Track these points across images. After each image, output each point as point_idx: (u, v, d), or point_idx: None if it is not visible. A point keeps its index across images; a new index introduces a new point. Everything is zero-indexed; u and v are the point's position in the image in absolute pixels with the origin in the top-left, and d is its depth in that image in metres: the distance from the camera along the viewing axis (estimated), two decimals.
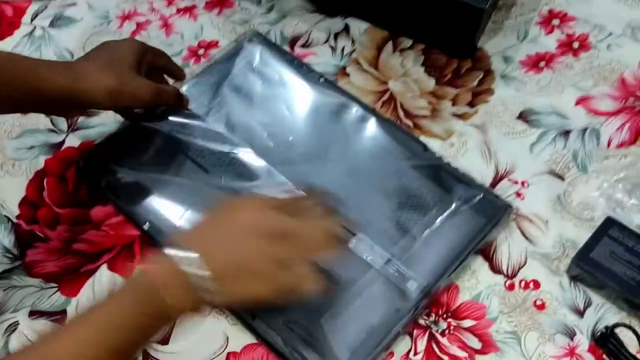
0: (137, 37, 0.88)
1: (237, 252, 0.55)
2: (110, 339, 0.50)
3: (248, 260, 0.55)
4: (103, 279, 0.69)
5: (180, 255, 0.53)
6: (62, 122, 0.80)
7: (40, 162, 0.77)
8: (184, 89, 0.79)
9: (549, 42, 0.84)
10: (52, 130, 0.80)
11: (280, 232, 0.57)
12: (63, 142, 0.79)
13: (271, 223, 0.57)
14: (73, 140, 0.79)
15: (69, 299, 0.68)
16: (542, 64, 0.83)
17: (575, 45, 0.84)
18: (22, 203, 0.74)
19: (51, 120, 0.80)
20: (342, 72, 0.84)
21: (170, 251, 0.54)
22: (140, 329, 0.52)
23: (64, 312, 0.67)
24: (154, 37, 0.88)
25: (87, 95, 0.64)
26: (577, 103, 0.79)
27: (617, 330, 0.63)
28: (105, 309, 0.52)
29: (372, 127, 0.76)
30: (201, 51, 0.86)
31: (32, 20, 0.90)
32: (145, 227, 0.70)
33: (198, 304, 0.54)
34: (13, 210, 0.74)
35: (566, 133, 0.77)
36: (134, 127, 0.76)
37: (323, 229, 0.59)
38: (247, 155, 0.74)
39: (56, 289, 0.69)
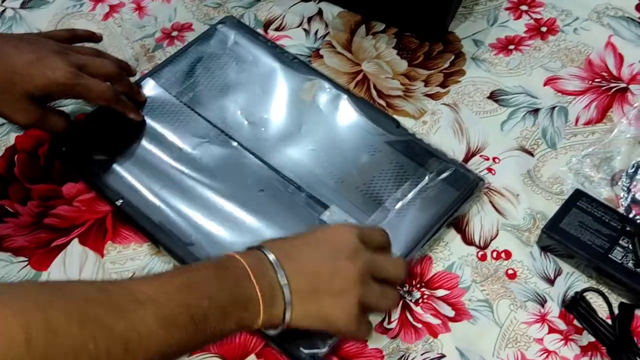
0: (110, 20, 0.88)
1: (322, 271, 0.54)
2: (189, 299, 0.48)
3: (332, 281, 0.54)
4: (74, 253, 0.68)
5: (273, 260, 0.53)
6: None
7: (11, 139, 0.76)
8: (163, 70, 0.79)
9: (518, 27, 0.86)
10: None
11: (370, 267, 0.56)
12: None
13: (364, 255, 0.56)
14: None
15: (39, 272, 0.67)
16: (512, 47, 0.84)
17: (544, 29, 0.86)
18: None
19: None
20: (316, 54, 0.84)
21: (269, 254, 0.53)
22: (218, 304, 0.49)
23: None
24: (127, 19, 0.88)
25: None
26: (546, 83, 0.80)
27: (587, 296, 0.64)
28: (191, 274, 0.50)
29: (345, 105, 0.76)
30: (175, 33, 0.86)
31: (2, 1, 0.90)
32: (118, 203, 0.69)
33: (274, 313, 0.52)
34: None
35: (535, 111, 0.78)
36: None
37: (403, 266, 0.60)
38: (219, 135, 0.74)
39: (26, 262, 0.68)
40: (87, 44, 0.75)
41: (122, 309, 0.45)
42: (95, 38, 0.76)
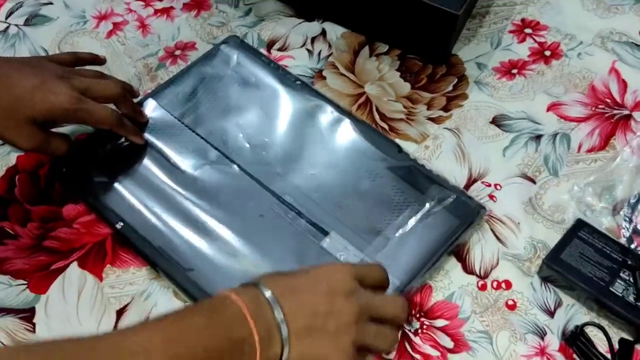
0: (114, 37, 0.88)
1: (319, 310, 0.53)
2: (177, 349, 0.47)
3: (328, 320, 0.52)
4: (73, 276, 0.68)
5: (270, 297, 0.51)
6: None
7: (12, 159, 0.76)
8: (165, 90, 0.79)
9: (522, 50, 0.86)
10: None
11: (367, 307, 0.55)
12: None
13: (360, 295, 0.55)
14: None
15: (38, 295, 0.67)
16: (515, 70, 0.84)
17: (547, 53, 0.85)
18: None
19: None
20: (319, 75, 0.84)
21: (265, 291, 0.52)
22: (213, 352, 0.48)
23: (32, 310, 0.66)
24: (130, 37, 0.88)
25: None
26: (549, 109, 0.80)
27: (587, 330, 0.63)
28: (182, 322, 0.49)
29: (347, 128, 0.76)
30: (178, 52, 0.86)
31: (6, 17, 0.90)
32: (118, 226, 0.69)
33: (271, 353, 0.51)
34: None
35: (538, 137, 0.78)
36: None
37: (403, 305, 0.57)
38: (220, 157, 0.74)
39: (25, 285, 0.68)
40: (90, 67, 0.75)
41: None
42: (99, 61, 0.76)
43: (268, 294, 0.51)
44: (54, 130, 0.68)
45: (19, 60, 0.66)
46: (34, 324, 0.65)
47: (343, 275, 0.55)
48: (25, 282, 0.68)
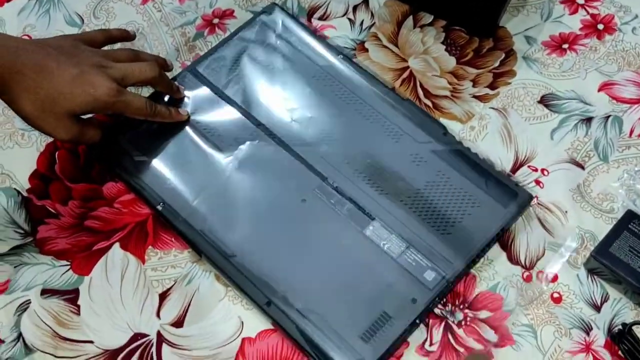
0: (150, 4, 0.85)
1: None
2: None
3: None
4: (115, 258, 0.68)
5: None
6: None
7: None
8: (205, 62, 0.77)
9: (573, 23, 0.82)
10: None
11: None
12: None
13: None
14: None
15: (81, 277, 0.67)
16: (566, 45, 0.81)
17: (600, 27, 0.82)
18: (33, 176, 0.73)
19: None
20: (361, 47, 0.81)
21: None
22: None
23: (76, 291, 0.67)
24: (166, 3, 0.85)
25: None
26: (600, 89, 0.77)
27: (635, 329, 0.62)
28: None
29: (391, 108, 0.74)
30: (216, 20, 0.84)
31: None
32: (159, 207, 0.69)
33: None
34: (23, 183, 0.72)
35: (588, 120, 0.75)
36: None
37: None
38: (262, 135, 0.72)
39: (68, 267, 0.68)
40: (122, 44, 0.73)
41: None
42: (129, 37, 0.75)
43: None
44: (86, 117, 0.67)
45: (53, 46, 0.64)
46: (78, 306, 0.66)
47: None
48: (69, 263, 0.68)
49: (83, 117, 0.65)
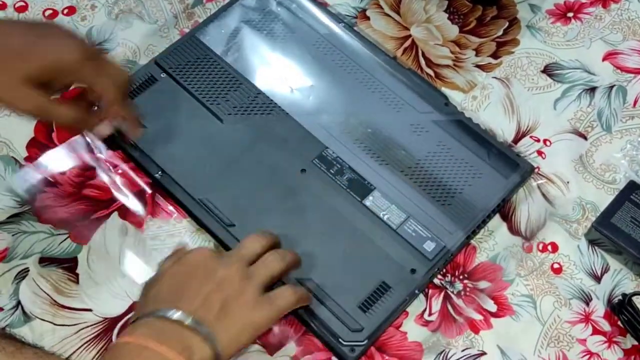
0: None
1: (209, 292, 0.54)
2: None
3: (221, 293, 0.54)
4: (115, 227, 0.68)
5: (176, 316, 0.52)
6: None
7: None
8: (204, 30, 0.76)
9: None
10: None
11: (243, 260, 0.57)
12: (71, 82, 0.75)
13: (227, 255, 0.58)
14: None
15: (80, 245, 0.67)
16: (571, 14, 0.79)
17: None
18: (31, 144, 0.72)
19: None
20: (362, 15, 0.80)
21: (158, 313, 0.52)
22: None
23: (74, 260, 0.66)
24: None
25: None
26: (605, 58, 0.76)
27: (635, 300, 0.62)
28: None
29: (392, 77, 0.73)
30: None
31: None
32: (158, 176, 0.68)
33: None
34: (20, 151, 0.72)
35: (592, 90, 0.74)
36: (148, 74, 0.73)
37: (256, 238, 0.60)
38: (262, 103, 0.71)
39: (67, 235, 0.67)
40: None
41: None
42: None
43: (174, 314, 0.52)
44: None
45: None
46: (77, 275, 0.66)
47: (205, 254, 0.57)
48: (67, 233, 0.68)
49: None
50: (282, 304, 0.56)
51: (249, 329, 0.54)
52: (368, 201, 0.66)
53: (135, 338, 0.50)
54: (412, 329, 0.63)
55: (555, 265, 0.65)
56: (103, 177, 0.70)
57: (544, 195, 0.69)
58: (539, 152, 0.71)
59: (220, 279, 0.54)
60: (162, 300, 0.54)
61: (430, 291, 0.64)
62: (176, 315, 0.51)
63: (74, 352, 0.62)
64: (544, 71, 0.76)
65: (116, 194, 0.69)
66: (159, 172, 0.68)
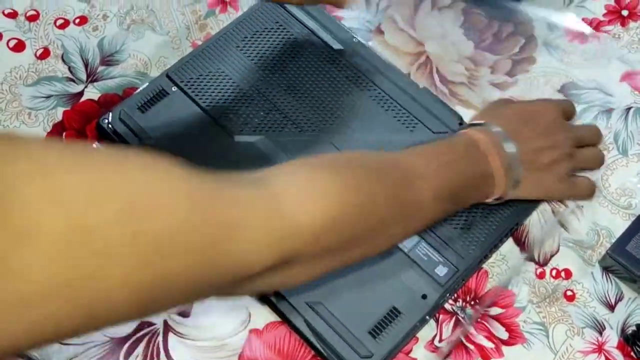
0: None
1: (540, 146, 0.63)
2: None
3: (546, 154, 0.63)
4: None
5: (498, 132, 0.61)
6: (81, 71, 0.76)
7: (58, 114, 0.74)
8: (214, 42, 0.75)
9: (597, 8, 0.79)
10: (71, 79, 0.76)
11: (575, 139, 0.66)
12: (82, 93, 0.75)
13: (568, 128, 0.67)
14: (92, 91, 0.75)
15: None
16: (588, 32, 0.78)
17: (624, 13, 0.79)
18: None
19: (69, 69, 0.76)
20: (377, 29, 0.79)
21: (493, 128, 0.61)
22: (468, 184, 0.58)
23: None
24: None
25: None
26: (623, 79, 0.75)
27: None
28: (449, 152, 0.58)
29: (406, 95, 0.72)
30: None
31: None
32: None
33: (502, 187, 0.60)
34: None
35: (608, 111, 0.73)
36: (159, 87, 0.72)
37: (598, 131, 0.70)
38: (272, 119, 0.71)
39: None
40: None
41: (409, 179, 0.52)
42: None
43: (497, 129, 0.61)
44: None
45: None
46: None
47: (556, 115, 0.65)
48: None
49: None
50: (577, 192, 0.66)
51: (543, 192, 0.64)
52: None
53: (473, 134, 0.61)
54: (422, 356, 0.62)
55: (569, 293, 0.65)
56: None
57: (557, 219, 0.68)
58: None
59: (556, 142, 0.63)
60: (504, 125, 0.62)
61: (441, 316, 0.64)
62: (512, 149, 0.60)
63: None
64: (560, 91, 0.75)
65: None
66: None
